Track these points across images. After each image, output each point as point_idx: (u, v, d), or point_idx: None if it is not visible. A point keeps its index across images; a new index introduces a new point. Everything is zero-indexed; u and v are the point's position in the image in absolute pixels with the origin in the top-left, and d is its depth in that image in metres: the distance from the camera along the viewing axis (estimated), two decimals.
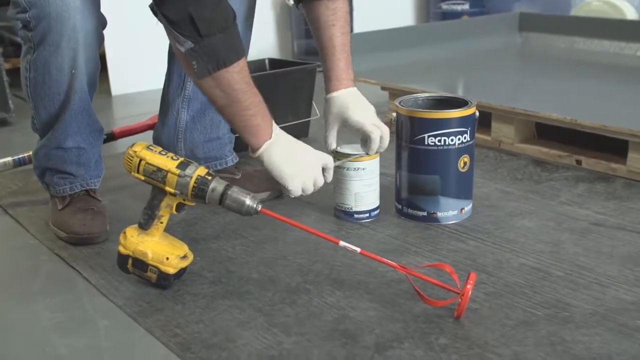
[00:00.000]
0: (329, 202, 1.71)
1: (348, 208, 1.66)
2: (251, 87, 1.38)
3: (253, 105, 1.39)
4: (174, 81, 1.77)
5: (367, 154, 1.62)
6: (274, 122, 1.45)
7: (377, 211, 1.68)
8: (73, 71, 1.54)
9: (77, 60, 1.54)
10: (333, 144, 1.63)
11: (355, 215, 1.66)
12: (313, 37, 1.65)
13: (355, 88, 1.62)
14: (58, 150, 1.64)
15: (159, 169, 1.32)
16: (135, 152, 1.34)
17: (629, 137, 1.86)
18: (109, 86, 3.29)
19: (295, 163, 1.46)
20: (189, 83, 1.75)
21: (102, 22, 1.57)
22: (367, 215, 1.67)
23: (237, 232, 1.63)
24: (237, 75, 1.35)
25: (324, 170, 1.50)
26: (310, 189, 1.48)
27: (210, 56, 1.31)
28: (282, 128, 2.24)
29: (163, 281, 1.37)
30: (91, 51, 1.56)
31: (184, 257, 1.38)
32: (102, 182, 1.76)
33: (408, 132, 1.61)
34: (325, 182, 1.51)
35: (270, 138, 1.43)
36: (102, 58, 3.34)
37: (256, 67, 2.41)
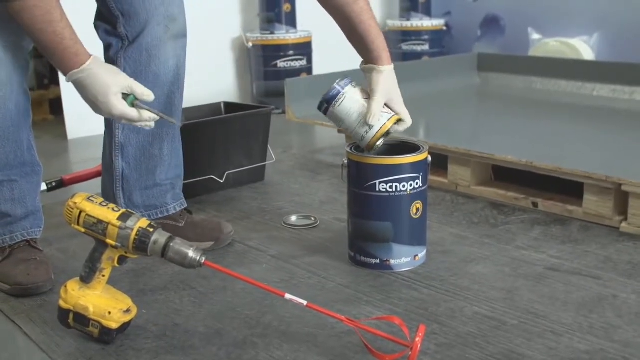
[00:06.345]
0: (282, 249, 1.68)
1: None
2: (49, 26, 1.35)
3: (54, 43, 1.36)
4: (107, 128, 1.75)
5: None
6: (92, 59, 1.39)
7: None
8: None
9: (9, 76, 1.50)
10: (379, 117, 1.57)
11: None
12: (341, 19, 1.64)
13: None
14: None
15: (100, 221, 1.28)
16: (75, 203, 1.30)
17: (584, 179, 1.85)
18: (64, 130, 3.24)
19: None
20: (117, 130, 1.70)
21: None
22: None
23: (185, 283, 1.58)
24: (27, 14, 1.34)
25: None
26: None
27: None
28: (236, 173, 2.26)
29: (105, 336, 1.32)
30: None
31: (127, 310, 1.34)
32: (51, 230, 1.71)
33: (359, 179, 1.58)
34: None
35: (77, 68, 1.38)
36: (59, 101, 3.32)
37: (212, 110, 2.39)
